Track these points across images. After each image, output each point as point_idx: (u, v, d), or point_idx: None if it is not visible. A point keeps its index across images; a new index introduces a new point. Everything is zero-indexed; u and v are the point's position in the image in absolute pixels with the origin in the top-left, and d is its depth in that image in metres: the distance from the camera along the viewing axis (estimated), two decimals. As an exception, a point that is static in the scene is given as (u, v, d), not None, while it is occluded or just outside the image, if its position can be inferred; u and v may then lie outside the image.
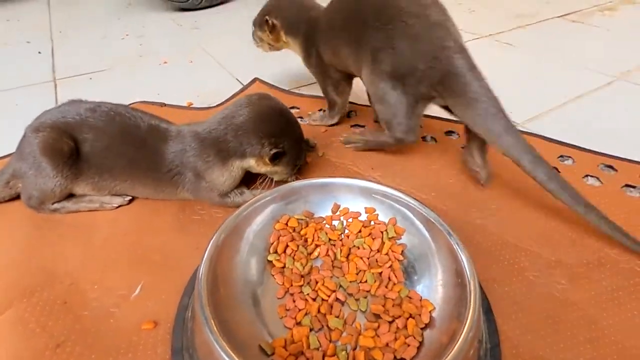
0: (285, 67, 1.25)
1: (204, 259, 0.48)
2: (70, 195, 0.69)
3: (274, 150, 0.65)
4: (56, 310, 0.53)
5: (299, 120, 0.74)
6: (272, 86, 1.11)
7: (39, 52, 1.45)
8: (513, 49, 1.41)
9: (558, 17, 1.70)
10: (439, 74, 0.66)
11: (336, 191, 0.61)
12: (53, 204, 0.67)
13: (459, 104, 0.67)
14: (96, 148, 0.65)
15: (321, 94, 0.93)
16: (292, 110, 0.76)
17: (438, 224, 0.53)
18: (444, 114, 0.79)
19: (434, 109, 0.80)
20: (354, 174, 0.77)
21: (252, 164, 0.67)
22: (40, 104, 0.87)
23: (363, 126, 0.93)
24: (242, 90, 1.09)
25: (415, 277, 0.54)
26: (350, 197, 0.61)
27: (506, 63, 1.30)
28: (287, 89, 1.13)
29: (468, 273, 0.46)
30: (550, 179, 0.61)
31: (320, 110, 0.98)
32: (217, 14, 1.89)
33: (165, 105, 1.02)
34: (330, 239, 0.58)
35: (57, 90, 1.17)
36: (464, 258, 0.48)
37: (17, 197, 0.70)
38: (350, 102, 0.96)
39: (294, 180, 0.68)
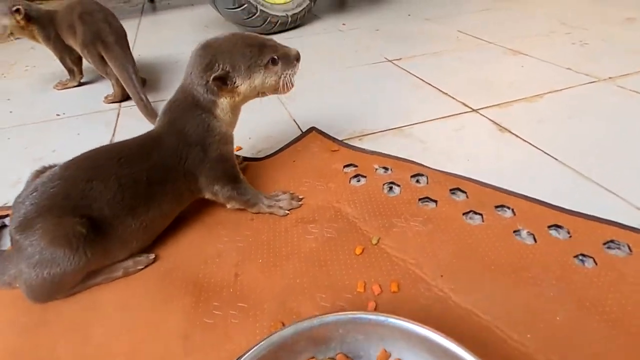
0: (344, 110, 1.11)
1: None
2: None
3: (214, 75, 0.62)
4: None
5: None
6: (328, 136, 0.96)
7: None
8: (644, 99, 1.09)
9: None
10: None
11: (385, 334, 0.44)
12: (72, 287, 0.58)
13: None
14: (106, 207, 0.58)
15: (382, 150, 0.87)
16: (350, 169, 0.80)
17: None
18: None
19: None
20: (415, 280, 0.58)
21: (227, 101, 0.67)
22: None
23: (435, 201, 0.74)
24: (298, 139, 0.96)
25: None
26: (405, 345, 0.43)
27: (634, 117, 1.00)
28: (344, 139, 0.97)
29: None
30: None
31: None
32: (284, 40, 1.82)
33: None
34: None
35: (119, 121, 1.15)
36: None
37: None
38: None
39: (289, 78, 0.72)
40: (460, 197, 0.74)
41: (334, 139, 0.94)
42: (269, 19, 1.80)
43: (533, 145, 0.91)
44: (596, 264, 0.59)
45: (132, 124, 1.13)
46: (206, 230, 0.70)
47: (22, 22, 1.20)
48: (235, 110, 0.70)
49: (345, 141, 0.96)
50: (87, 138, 1.08)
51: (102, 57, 1.16)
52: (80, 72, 1.38)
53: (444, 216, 0.69)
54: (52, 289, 0.55)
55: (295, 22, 1.93)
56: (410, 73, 1.36)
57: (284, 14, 1.85)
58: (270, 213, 0.72)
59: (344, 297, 0.56)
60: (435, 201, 0.73)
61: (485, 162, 0.86)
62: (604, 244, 0.62)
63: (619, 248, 0.61)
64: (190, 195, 0.69)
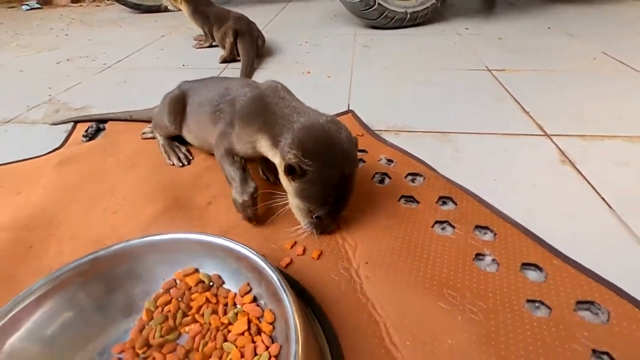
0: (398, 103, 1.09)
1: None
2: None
3: (293, 160, 0.55)
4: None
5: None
6: (360, 122, 0.98)
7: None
8: None
9: None
10: None
11: (249, 271, 0.48)
12: (160, 135, 0.88)
13: None
14: (191, 106, 0.81)
15: (409, 149, 0.87)
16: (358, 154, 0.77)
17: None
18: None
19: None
20: (339, 257, 0.58)
21: (274, 158, 0.62)
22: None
23: (418, 202, 0.69)
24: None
25: None
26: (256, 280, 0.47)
27: None
28: (381, 129, 0.97)
29: None
30: None
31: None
32: (397, 36, 1.83)
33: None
34: (210, 324, 0.46)
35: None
36: None
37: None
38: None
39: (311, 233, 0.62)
40: (448, 206, 0.69)
41: (365, 126, 0.96)
42: (385, 13, 1.83)
43: (592, 187, 0.75)
44: (550, 315, 0.49)
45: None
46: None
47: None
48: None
49: (381, 132, 0.96)
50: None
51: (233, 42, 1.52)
52: (213, 39, 1.69)
53: (415, 218, 0.66)
54: (156, 123, 0.89)
55: (414, 20, 1.91)
56: (502, 85, 1.23)
57: (402, 10, 1.85)
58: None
59: (269, 247, 0.61)
60: (419, 202, 0.69)
61: (514, 186, 0.76)
62: (579, 302, 0.50)
63: (597, 313, 0.49)
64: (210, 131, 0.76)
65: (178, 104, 0.82)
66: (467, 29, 1.89)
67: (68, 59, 1.66)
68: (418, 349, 0.46)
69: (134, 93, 1.28)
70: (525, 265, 0.56)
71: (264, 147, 0.62)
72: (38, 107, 1.19)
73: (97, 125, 1.01)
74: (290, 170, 0.55)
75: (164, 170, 0.82)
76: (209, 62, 1.55)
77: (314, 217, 0.59)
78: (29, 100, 1.24)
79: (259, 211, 0.67)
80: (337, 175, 0.55)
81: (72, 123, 1.04)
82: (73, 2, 3.10)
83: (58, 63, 1.62)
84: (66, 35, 2.11)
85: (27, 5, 2.99)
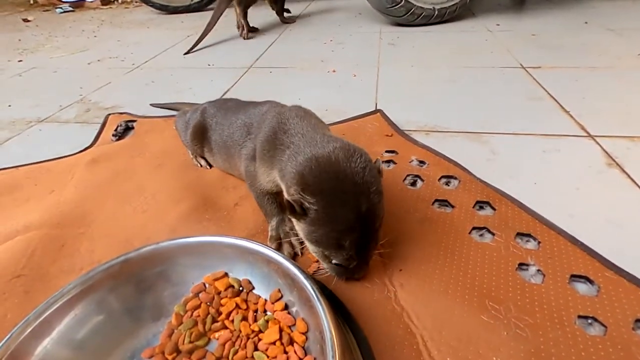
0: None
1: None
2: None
3: (294, 196, 0.46)
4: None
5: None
6: (390, 121, 0.94)
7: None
8: None
9: None
10: None
11: (280, 276, 0.46)
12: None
13: None
14: (214, 141, 0.76)
15: (442, 151, 0.82)
16: (388, 154, 0.72)
17: None
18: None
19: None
20: (372, 262, 0.56)
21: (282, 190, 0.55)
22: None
23: (453, 207, 0.66)
24: (360, 116, 0.99)
25: None
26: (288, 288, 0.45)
27: None
28: (411, 129, 0.94)
29: None
30: None
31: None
32: (424, 33, 1.78)
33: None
34: (240, 331, 0.45)
35: (242, 77, 1.39)
36: None
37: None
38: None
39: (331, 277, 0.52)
40: (486, 211, 0.65)
41: (394, 125, 0.92)
42: (412, 9, 1.78)
43: (643, 191, 0.69)
44: (605, 334, 0.45)
45: (249, 83, 1.35)
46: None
47: None
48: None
49: (411, 132, 0.93)
50: (215, 85, 1.34)
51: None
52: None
53: (451, 223, 0.62)
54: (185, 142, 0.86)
55: (442, 17, 1.86)
56: (539, 83, 1.17)
57: (430, 6, 1.80)
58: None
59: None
60: (454, 207, 0.66)
61: (556, 190, 0.71)
62: (638, 320, 0.46)
63: (658, 333, 0.44)
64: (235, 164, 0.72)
65: (200, 133, 0.79)
66: (498, 25, 1.82)
67: (99, 60, 1.70)
68: (459, 365, 0.43)
69: (161, 92, 1.29)
70: (575, 277, 0.52)
71: (281, 185, 0.54)
72: (70, 107, 1.22)
73: (126, 124, 1.02)
74: (291, 209, 0.46)
75: (191, 171, 0.81)
76: (234, 61, 1.55)
77: (332, 262, 0.49)
78: (61, 100, 1.28)
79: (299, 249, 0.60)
80: (351, 214, 0.44)
81: (101, 123, 1.05)
82: (103, 4, 3.19)
83: (89, 64, 1.66)
84: (95, 36, 2.17)
85: (61, 8, 3.10)
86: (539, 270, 0.53)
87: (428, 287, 0.52)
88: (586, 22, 1.73)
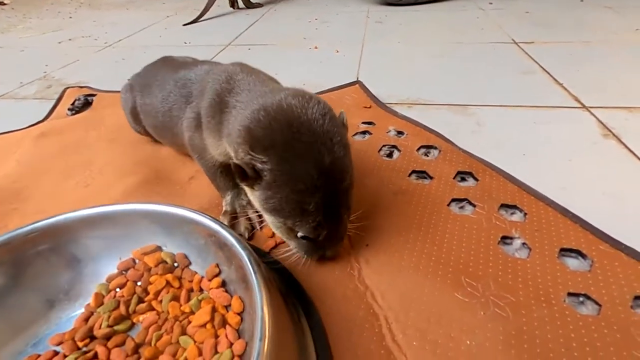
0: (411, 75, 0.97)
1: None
2: None
3: (243, 158, 0.38)
4: None
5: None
6: (369, 93, 0.87)
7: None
8: None
9: None
10: None
11: (218, 248, 0.39)
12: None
13: None
14: (147, 116, 0.66)
15: (425, 123, 0.75)
16: (365, 125, 0.63)
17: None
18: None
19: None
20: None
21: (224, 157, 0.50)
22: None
23: (432, 178, 0.59)
24: (338, 88, 0.91)
25: None
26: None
27: None
28: (392, 102, 0.87)
29: None
30: None
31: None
32: (413, 12, 1.70)
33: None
34: (169, 312, 0.37)
35: (218, 55, 1.31)
36: None
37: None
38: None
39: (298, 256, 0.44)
40: (468, 182, 0.58)
41: (373, 97, 0.85)
42: (401, -13, 1.70)
43: (641, 161, 0.63)
44: (599, 313, 0.38)
45: (223, 60, 1.27)
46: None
47: None
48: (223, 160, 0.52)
49: (393, 105, 0.86)
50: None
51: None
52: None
53: (428, 195, 0.55)
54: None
55: (433, -5, 1.78)
56: (532, 58, 1.10)
57: (420, -16, 1.72)
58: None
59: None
60: (432, 178, 0.59)
61: (547, 162, 0.64)
62: (637, 298, 0.39)
63: (661, 312, 0.38)
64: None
65: (137, 115, 0.68)
66: (490, 3, 1.74)
67: (70, 39, 1.61)
68: (427, 350, 0.36)
69: (130, 69, 1.21)
70: (565, 251, 0.45)
71: (229, 152, 0.45)
72: (31, 84, 1.13)
73: (85, 99, 0.94)
74: (242, 175, 0.38)
75: (148, 145, 0.74)
76: (211, 39, 1.47)
77: (298, 236, 0.41)
78: (23, 77, 1.19)
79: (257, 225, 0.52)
80: (311, 168, 0.37)
81: (57, 97, 0.97)
82: (84, -12, 3.07)
83: (60, 43, 1.57)
84: (71, 17, 2.07)
85: (40, -8, 2.97)
86: (524, 243, 0.46)
87: (397, 262, 0.45)
88: (582, 0, 1.66)
